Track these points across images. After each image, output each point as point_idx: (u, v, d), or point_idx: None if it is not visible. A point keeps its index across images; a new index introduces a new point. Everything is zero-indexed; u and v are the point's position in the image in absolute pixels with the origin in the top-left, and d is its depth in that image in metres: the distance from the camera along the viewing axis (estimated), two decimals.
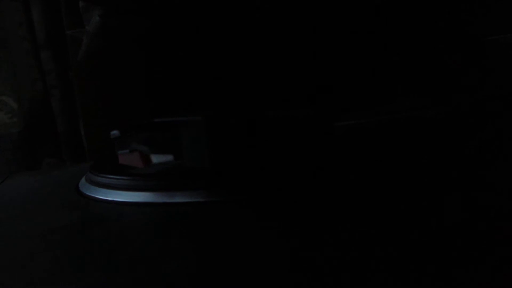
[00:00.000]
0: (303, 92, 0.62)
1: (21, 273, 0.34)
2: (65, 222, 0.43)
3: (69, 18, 0.78)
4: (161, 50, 0.67)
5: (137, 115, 0.69)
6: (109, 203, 0.46)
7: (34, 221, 0.46)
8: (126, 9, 0.68)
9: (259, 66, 0.62)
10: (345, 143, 0.54)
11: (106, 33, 0.68)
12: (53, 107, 0.85)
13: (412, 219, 0.34)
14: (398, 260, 0.29)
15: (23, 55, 0.85)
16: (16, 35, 0.85)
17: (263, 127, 0.48)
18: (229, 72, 0.63)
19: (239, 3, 0.63)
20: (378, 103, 0.62)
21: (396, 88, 0.64)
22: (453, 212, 0.35)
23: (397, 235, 0.32)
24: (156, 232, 0.39)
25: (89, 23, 0.70)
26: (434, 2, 0.63)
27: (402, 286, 0.26)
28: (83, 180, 0.53)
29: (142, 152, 0.49)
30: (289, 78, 0.62)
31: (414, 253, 0.29)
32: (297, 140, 0.49)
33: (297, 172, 0.45)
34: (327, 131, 0.53)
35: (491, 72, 0.61)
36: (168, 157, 0.48)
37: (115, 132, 0.50)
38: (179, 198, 0.43)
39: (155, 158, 0.49)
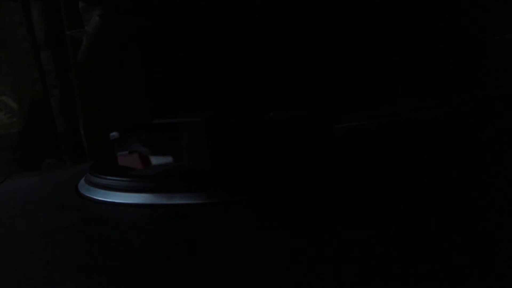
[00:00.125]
0: (303, 93, 0.63)
1: (19, 273, 0.34)
2: (63, 223, 0.43)
3: (68, 19, 0.78)
4: (160, 50, 0.67)
5: (136, 116, 0.69)
6: (108, 204, 0.46)
7: (33, 222, 0.46)
8: (126, 9, 0.68)
9: (259, 67, 0.62)
10: (345, 144, 0.54)
11: (106, 33, 0.68)
12: (53, 107, 0.85)
13: (412, 219, 0.34)
14: (399, 260, 0.29)
15: (23, 55, 0.85)
16: (16, 35, 0.85)
17: (263, 128, 0.48)
18: (229, 72, 0.63)
19: (238, 3, 0.63)
20: (378, 104, 0.62)
21: (396, 88, 0.64)
22: (453, 212, 0.35)
23: (398, 235, 0.32)
24: (155, 234, 0.39)
25: (89, 24, 0.70)
26: (434, 2, 0.63)
27: (403, 286, 0.26)
28: (82, 181, 0.53)
29: (142, 154, 0.48)
30: (290, 79, 0.62)
31: (414, 253, 0.29)
32: (297, 141, 0.49)
33: (297, 173, 0.45)
34: (327, 132, 0.53)
35: (491, 72, 0.61)
36: (168, 159, 0.48)
37: (114, 134, 0.50)
38: (178, 200, 0.43)
39: (155, 160, 0.49)
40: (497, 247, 0.29)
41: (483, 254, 0.28)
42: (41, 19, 0.84)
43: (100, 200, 0.47)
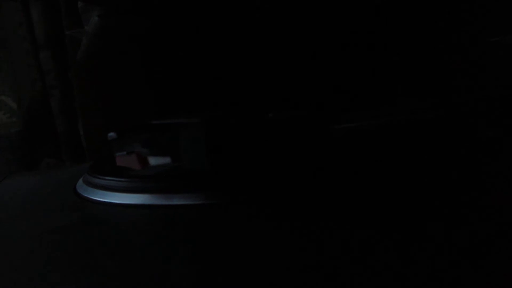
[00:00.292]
0: (302, 93, 0.62)
1: (18, 273, 0.34)
2: (62, 223, 0.43)
3: (68, 18, 0.78)
4: (160, 50, 0.67)
5: (136, 116, 0.69)
6: (106, 205, 0.46)
7: (31, 222, 0.46)
8: (126, 9, 0.68)
9: (258, 68, 0.62)
10: (345, 144, 0.54)
11: (105, 34, 0.68)
12: (53, 107, 0.85)
13: (412, 219, 0.34)
14: (399, 260, 0.29)
15: (23, 55, 0.85)
16: (15, 35, 0.85)
17: (262, 129, 0.48)
18: (228, 73, 0.63)
19: (239, 3, 0.63)
20: (378, 104, 0.62)
21: (396, 89, 0.64)
22: (453, 213, 0.35)
23: (398, 235, 0.32)
24: (154, 234, 0.39)
25: (88, 23, 0.70)
26: (434, 2, 0.62)
27: (403, 286, 0.26)
28: (80, 181, 0.53)
29: (140, 154, 0.48)
30: (289, 79, 0.62)
31: (414, 253, 0.29)
32: (296, 142, 0.49)
33: (297, 174, 0.44)
34: (326, 132, 0.53)
35: (491, 73, 0.61)
36: (167, 159, 0.48)
37: (112, 134, 0.50)
38: (177, 200, 0.43)
39: (154, 160, 0.49)
40: (498, 247, 0.29)
41: (483, 255, 0.28)
42: (40, 19, 0.84)
43: (98, 200, 0.47)
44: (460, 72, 0.62)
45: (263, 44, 0.62)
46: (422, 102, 0.63)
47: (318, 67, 0.63)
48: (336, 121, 0.56)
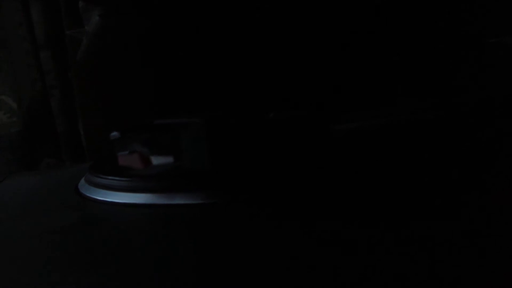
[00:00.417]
0: (302, 93, 0.63)
1: (19, 273, 0.34)
2: (64, 223, 0.43)
3: (68, 18, 0.78)
4: (161, 50, 0.67)
5: (136, 116, 0.69)
6: (108, 204, 0.46)
7: (33, 222, 0.46)
8: (126, 9, 0.68)
9: (258, 68, 0.62)
10: (345, 144, 0.54)
11: (106, 33, 0.68)
12: (53, 107, 0.85)
13: (412, 219, 0.34)
14: (399, 260, 0.29)
15: (23, 55, 0.85)
16: (15, 35, 0.85)
17: (263, 129, 0.48)
18: (229, 73, 0.63)
19: (239, 3, 0.63)
20: (378, 104, 0.62)
21: (396, 89, 0.64)
22: (453, 213, 0.35)
23: (398, 235, 0.32)
24: (155, 234, 0.39)
25: (89, 23, 0.70)
26: (434, 2, 0.63)
27: (403, 286, 0.26)
28: (82, 181, 0.53)
29: (142, 153, 0.48)
30: (289, 79, 0.62)
31: (415, 252, 0.29)
32: (297, 142, 0.49)
33: (297, 174, 0.45)
34: (327, 132, 0.53)
35: (491, 73, 0.61)
36: (168, 159, 0.48)
37: (115, 134, 0.50)
38: (179, 200, 0.43)
39: (155, 160, 0.49)
40: (498, 247, 0.29)
41: (484, 255, 0.28)
42: (40, 19, 0.84)
43: (100, 200, 0.47)
44: (460, 72, 0.62)
45: (263, 44, 0.62)
46: (422, 102, 0.63)
47: (318, 67, 0.63)
48: (336, 121, 0.56)
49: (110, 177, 0.48)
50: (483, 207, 0.35)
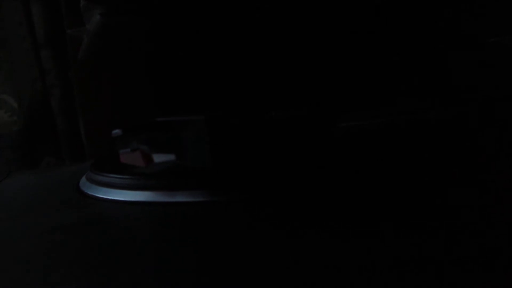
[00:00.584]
0: (304, 93, 0.63)
1: (21, 272, 0.34)
2: (65, 221, 0.43)
3: (69, 17, 0.78)
4: (162, 49, 0.67)
5: (138, 115, 0.69)
6: (110, 202, 0.46)
7: (34, 220, 0.46)
8: (126, 9, 0.68)
9: (260, 67, 0.62)
10: (345, 143, 0.54)
11: (107, 32, 0.68)
12: (53, 106, 0.85)
13: (412, 219, 0.34)
14: (400, 259, 0.29)
15: (23, 54, 0.85)
16: (16, 34, 0.85)
17: (264, 127, 0.48)
18: (230, 72, 0.63)
19: (239, 3, 0.63)
20: (378, 104, 0.63)
21: (396, 89, 0.64)
22: (454, 213, 0.35)
23: (398, 235, 0.32)
24: (157, 231, 0.39)
25: (90, 22, 0.70)
26: (434, 2, 0.63)
27: (404, 286, 0.26)
28: (83, 179, 0.53)
29: (144, 151, 0.48)
30: (290, 79, 0.62)
31: (415, 253, 0.29)
32: (298, 141, 0.49)
33: (298, 173, 0.45)
34: (327, 131, 0.53)
35: (491, 73, 0.61)
36: (170, 157, 0.48)
37: (117, 131, 0.50)
38: (180, 198, 0.43)
39: (157, 158, 0.49)
40: (498, 247, 0.29)
41: (484, 255, 0.28)
42: (41, 18, 0.84)
43: (101, 197, 0.47)
44: (460, 72, 0.62)
45: (264, 44, 0.62)
46: (422, 102, 0.63)
47: (319, 67, 0.63)
48: (337, 121, 0.56)
49: (111, 175, 0.48)
50: (483, 206, 0.35)
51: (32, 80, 0.85)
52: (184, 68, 0.66)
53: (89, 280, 0.31)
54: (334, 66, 0.63)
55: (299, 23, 0.63)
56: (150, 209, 0.44)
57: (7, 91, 0.87)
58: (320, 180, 0.44)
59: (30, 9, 0.84)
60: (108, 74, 0.72)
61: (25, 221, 0.46)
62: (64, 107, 0.85)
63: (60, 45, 0.82)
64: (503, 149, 0.48)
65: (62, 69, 0.84)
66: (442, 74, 0.63)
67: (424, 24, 0.63)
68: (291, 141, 0.49)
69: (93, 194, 0.49)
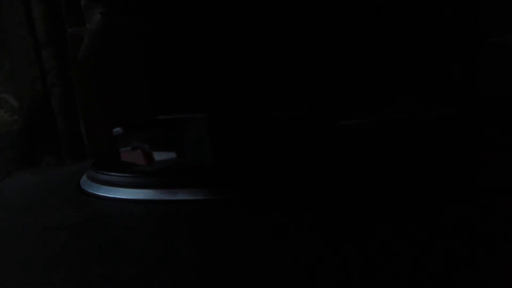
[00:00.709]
0: (305, 92, 0.63)
1: (22, 271, 0.34)
2: (67, 220, 0.44)
3: (70, 17, 0.78)
4: (163, 48, 0.67)
5: (139, 114, 0.69)
6: (111, 200, 0.46)
7: (35, 219, 0.46)
8: (128, 8, 0.68)
9: (260, 66, 0.62)
10: (346, 143, 0.54)
11: (108, 32, 0.68)
12: (54, 105, 0.85)
13: (412, 218, 0.35)
14: (400, 259, 0.29)
15: (24, 53, 0.85)
16: (16, 34, 0.85)
17: (266, 126, 0.48)
18: (231, 71, 0.63)
19: (240, 3, 0.63)
20: (378, 103, 0.63)
21: (397, 88, 0.64)
22: (454, 213, 0.35)
23: (398, 234, 0.32)
24: (158, 230, 0.40)
25: (90, 22, 0.70)
26: (434, 2, 0.63)
27: (404, 286, 0.26)
28: (84, 177, 0.53)
29: (145, 150, 0.49)
30: (291, 78, 0.63)
31: (415, 253, 0.29)
32: (298, 140, 0.49)
33: (299, 172, 0.45)
34: (328, 131, 0.53)
35: (491, 73, 0.61)
36: (171, 155, 0.48)
37: (118, 129, 0.50)
38: (181, 196, 0.43)
39: (158, 156, 0.49)
40: (498, 247, 0.29)
41: (484, 254, 0.28)
42: (41, 17, 0.84)
43: (103, 196, 0.48)
44: (460, 72, 0.62)
45: (266, 43, 0.62)
46: (422, 102, 0.63)
47: (320, 66, 0.63)
48: (337, 120, 0.56)
49: (112, 173, 0.48)
50: (483, 206, 0.35)
51: (32, 79, 0.86)
52: (185, 67, 0.66)
53: (90, 280, 0.31)
54: (334, 66, 0.63)
55: (300, 23, 0.63)
56: (151, 207, 0.44)
57: (8, 90, 0.87)
58: (320, 180, 0.44)
59: (30, 9, 0.84)
60: (108, 73, 0.72)
61: (25, 221, 0.46)
62: (64, 106, 0.85)
63: (61, 45, 0.82)
64: (503, 149, 0.49)
65: (62, 69, 0.84)
66: (442, 74, 0.63)
67: (424, 24, 0.63)
68: (291, 141, 0.49)
69: (94, 192, 0.49)
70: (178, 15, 0.64)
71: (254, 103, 0.60)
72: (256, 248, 0.33)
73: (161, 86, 0.69)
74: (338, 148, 0.52)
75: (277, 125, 0.50)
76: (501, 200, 0.36)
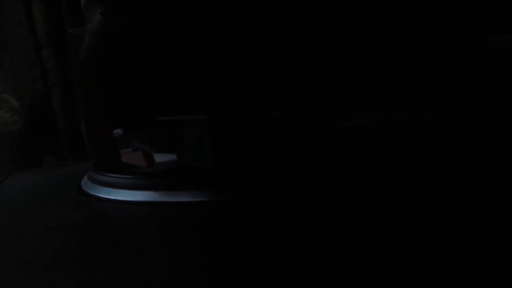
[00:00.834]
0: (304, 92, 0.63)
1: (22, 271, 0.34)
2: (67, 221, 0.44)
3: (70, 16, 0.78)
4: (164, 49, 0.67)
5: (139, 115, 0.69)
6: (112, 202, 0.47)
7: (36, 220, 0.46)
8: (127, 9, 0.68)
9: (261, 66, 0.62)
10: (345, 143, 0.54)
11: (108, 32, 0.68)
12: (54, 105, 0.85)
13: (413, 218, 0.35)
14: (400, 259, 0.29)
15: (24, 53, 0.85)
16: (17, 34, 0.85)
17: (266, 127, 0.48)
18: (231, 72, 0.63)
19: (240, 3, 0.63)
20: (378, 104, 0.63)
21: (396, 89, 0.64)
22: (454, 213, 0.35)
23: (398, 234, 0.32)
24: (159, 231, 0.40)
25: (91, 22, 0.70)
26: (434, 2, 0.63)
27: (404, 286, 0.26)
28: (85, 178, 0.53)
29: (145, 151, 0.49)
30: (291, 78, 0.63)
31: (415, 252, 0.29)
32: (299, 140, 0.49)
33: (300, 172, 0.45)
34: (328, 131, 0.53)
35: (491, 73, 0.61)
36: (171, 156, 0.48)
37: (118, 131, 0.50)
38: (182, 197, 0.43)
39: (158, 157, 0.49)
40: (498, 247, 0.29)
41: (484, 254, 0.28)
42: (42, 17, 0.84)
43: (103, 197, 0.48)
44: (460, 72, 0.62)
45: (265, 43, 0.62)
46: (422, 102, 0.63)
47: (320, 67, 0.63)
48: (337, 121, 0.56)
49: (113, 175, 0.48)
50: (483, 206, 0.35)
51: (33, 79, 0.86)
52: (185, 67, 0.66)
53: (90, 280, 0.31)
54: (334, 66, 0.63)
55: (300, 23, 0.63)
56: (152, 209, 0.44)
57: (8, 90, 0.87)
58: (321, 180, 0.44)
59: (31, 8, 0.84)
60: (109, 74, 0.72)
61: (26, 221, 0.46)
62: (65, 106, 0.85)
63: (61, 45, 0.82)
64: (503, 149, 0.49)
65: (63, 69, 0.84)
66: (442, 74, 0.63)
67: (424, 24, 0.63)
68: (291, 141, 0.49)
69: (94, 193, 0.49)
70: (178, 15, 0.64)
71: (254, 104, 0.60)
72: (257, 249, 0.33)
73: (162, 86, 0.69)
74: (338, 148, 0.52)
75: (277, 126, 0.50)
76: (501, 200, 0.36)
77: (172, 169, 0.48)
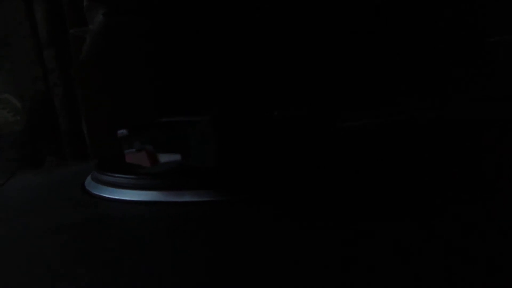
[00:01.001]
0: (306, 93, 0.63)
1: (27, 270, 0.35)
2: (72, 221, 0.44)
3: (72, 17, 0.78)
4: (165, 49, 0.67)
5: (141, 115, 0.69)
6: (116, 202, 0.47)
7: (41, 220, 0.46)
8: (129, 9, 0.68)
9: (263, 67, 0.62)
10: (346, 143, 0.54)
11: (110, 32, 0.68)
12: (56, 105, 0.85)
13: (413, 218, 0.35)
14: (400, 258, 0.29)
15: (26, 54, 0.85)
16: (19, 34, 0.85)
17: (270, 127, 0.49)
18: (234, 73, 0.63)
19: (241, 3, 0.63)
20: (378, 103, 0.63)
21: (396, 88, 0.64)
22: (454, 213, 0.35)
23: (398, 234, 0.32)
24: (163, 231, 0.40)
25: (93, 22, 0.70)
26: (434, 2, 0.63)
27: (404, 284, 0.27)
28: (88, 178, 0.53)
29: (149, 151, 0.49)
30: (291, 79, 0.63)
31: (415, 251, 0.30)
32: (301, 140, 0.49)
33: (302, 172, 0.45)
34: (330, 131, 0.54)
35: (491, 73, 0.61)
36: (176, 157, 0.48)
37: (122, 131, 0.50)
38: (187, 197, 0.43)
39: (163, 158, 0.49)
40: (498, 247, 0.29)
41: (484, 254, 0.28)
42: (44, 18, 0.84)
43: (107, 197, 0.48)
44: (460, 72, 0.63)
45: (268, 45, 0.62)
46: (422, 102, 0.63)
47: (320, 67, 0.63)
48: (338, 121, 0.56)
49: (117, 175, 0.48)
50: (483, 206, 0.35)
51: (34, 79, 0.85)
52: (188, 68, 0.66)
53: (94, 279, 0.32)
54: (334, 66, 0.64)
55: (301, 23, 0.63)
56: (157, 208, 0.44)
57: (10, 90, 0.87)
58: (324, 179, 0.44)
59: (32, 9, 0.84)
60: (110, 74, 0.72)
61: (30, 221, 0.46)
62: (66, 106, 0.85)
63: (63, 45, 0.82)
64: (503, 148, 0.49)
65: (64, 69, 0.84)
66: (442, 74, 0.63)
67: (424, 24, 0.63)
68: (294, 141, 0.49)
69: (98, 193, 0.49)
70: (181, 16, 0.64)
71: (256, 104, 0.60)
72: (261, 248, 0.33)
73: (163, 86, 0.69)
74: (338, 148, 0.52)
75: (279, 126, 0.50)
76: (501, 200, 0.36)
77: (176, 169, 0.48)
